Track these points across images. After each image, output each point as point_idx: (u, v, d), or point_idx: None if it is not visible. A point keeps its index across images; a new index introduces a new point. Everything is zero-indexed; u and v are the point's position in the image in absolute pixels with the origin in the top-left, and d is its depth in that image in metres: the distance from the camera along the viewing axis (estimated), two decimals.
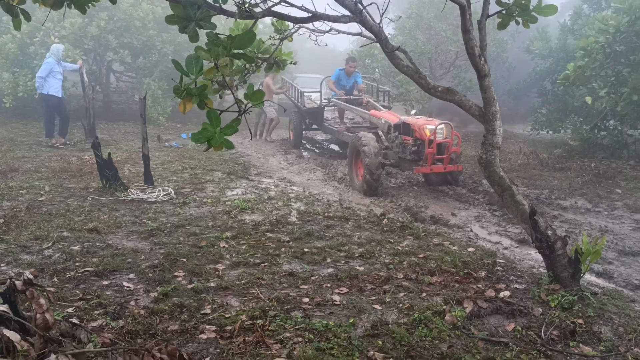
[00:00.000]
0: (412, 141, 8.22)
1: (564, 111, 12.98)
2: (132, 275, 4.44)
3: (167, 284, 4.24)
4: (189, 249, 5.20)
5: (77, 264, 4.62)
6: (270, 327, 3.55)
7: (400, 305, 3.96)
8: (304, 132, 13.29)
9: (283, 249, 5.33)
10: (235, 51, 3.17)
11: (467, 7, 3.95)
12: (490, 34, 17.24)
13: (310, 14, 3.89)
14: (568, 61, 12.00)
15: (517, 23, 4.13)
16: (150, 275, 4.47)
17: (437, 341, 3.42)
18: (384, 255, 5.14)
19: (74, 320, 3.11)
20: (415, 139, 8.16)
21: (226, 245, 5.40)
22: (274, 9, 3.65)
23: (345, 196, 8.09)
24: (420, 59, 15.97)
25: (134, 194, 7.20)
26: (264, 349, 3.27)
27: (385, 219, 6.42)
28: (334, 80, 11.67)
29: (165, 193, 7.38)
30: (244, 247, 5.39)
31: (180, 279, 4.44)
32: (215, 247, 5.34)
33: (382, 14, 4.14)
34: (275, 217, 6.53)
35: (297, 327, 3.58)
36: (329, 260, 5.02)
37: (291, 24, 4.51)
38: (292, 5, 3.82)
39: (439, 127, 7.87)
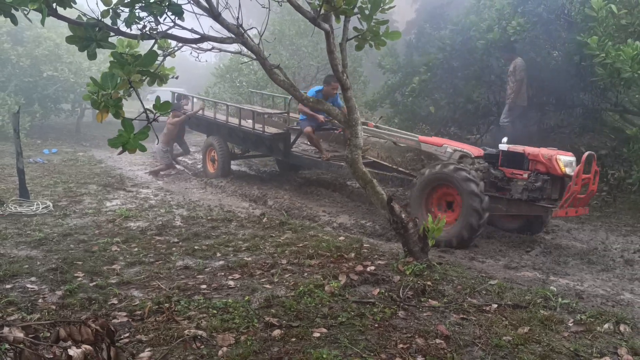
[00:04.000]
0: (530, 176, 6.38)
1: (413, 120, 14.55)
2: (33, 278, 4.68)
3: (70, 283, 4.55)
4: (82, 254, 5.48)
5: None
6: (176, 309, 4.06)
7: (287, 283, 4.66)
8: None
9: (174, 249, 5.79)
10: (142, 69, 3.68)
11: (330, 32, 4.78)
12: (348, 51, 18.75)
13: (200, 36, 4.48)
14: (414, 75, 13.54)
15: (370, 46, 5.04)
16: (51, 277, 4.73)
17: (320, 306, 4.16)
18: (267, 247, 5.81)
19: None
20: (537, 172, 6.36)
21: (118, 249, 5.74)
22: (169, 31, 4.19)
23: (224, 201, 8.64)
24: (285, 72, 16.91)
25: (11, 208, 7.17)
26: (175, 325, 3.78)
27: (265, 218, 7.10)
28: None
29: (44, 206, 7.42)
30: (135, 249, 5.76)
31: (80, 278, 4.75)
32: (108, 250, 5.66)
33: (261, 35, 4.84)
34: (160, 222, 6.92)
35: (200, 307, 4.13)
36: (218, 254, 5.59)
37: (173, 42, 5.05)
38: (184, 28, 4.38)
39: (581, 158, 6.03)
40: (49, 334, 2.91)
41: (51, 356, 2.62)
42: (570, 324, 3.94)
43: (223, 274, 4.96)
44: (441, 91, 12.17)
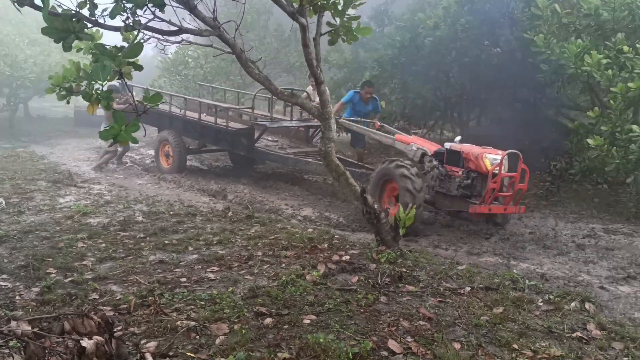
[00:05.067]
0: (462, 173, 6.66)
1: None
2: (5, 276, 4.54)
3: (45, 280, 4.44)
4: (49, 251, 5.33)
5: None
6: (161, 302, 4.05)
7: (267, 274, 4.73)
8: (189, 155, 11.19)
9: (143, 244, 5.73)
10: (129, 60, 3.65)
11: (306, 27, 4.87)
12: (292, 45, 18.82)
13: (178, 28, 4.47)
14: (360, 71, 13.78)
15: (343, 40, 5.17)
16: (22, 274, 4.60)
17: (305, 294, 4.26)
18: (239, 240, 5.84)
19: None
20: (468, 170, 6.61)
21: (84, 245, 5.62)
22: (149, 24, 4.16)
23: (183, 196, 8.55)
24: (232, 66, 16.83)
25: None
26: (164, 317, 3.79)
27: (231, 212, 7.11)
28: (344, 102, 9.75)
29: None
30: (102, 245, 5.66)
31: (54, 275, 4.64)
32: (74, 247, 5.53)
33: (236, 29, 4.87)
34: (122, 218, 6.80)
35: (185, 299, 4.14)
36: (190, 248, 5.57)
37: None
38: (162, 20, 4.35)
39: (504, 157, 6.33)
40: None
41: (61, 349, 2.61)
42: (540, 304, 4.23)
43: (200, 267, 4.97)
44: (391, 87, 12.47)
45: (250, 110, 9.63)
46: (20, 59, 15.94)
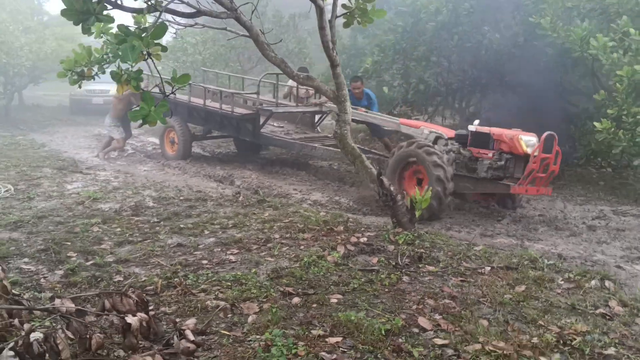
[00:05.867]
0: (495, 155, 6.63)
1: None
2: (26, 259, 4.53)
3: (68, 263, 4.45)
4: (66, 235, 5.32)
5: None
6: (187, 283, 4.07)
7: (287, 256, 4.76)
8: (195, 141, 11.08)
9: (158, 228, 5.73)
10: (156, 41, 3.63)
11: (323, 9, 4.86)
12: (291, 32, 18.75)
13: (196, 10, 4.45)
14: (359, 57, 13.74)
15: (359, 23, 5.16)
16: (43, 257, 4.60)
17: (328, 274, 4.30)
18: (254, 224, 5.86)
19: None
20: (501, 152, 6.63)
21: (99, 230, 5.61)
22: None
23: (190, 182, 8.54)
24: (230, 53, 16.76)
25: None
26: (193, 297, 3.81)
27: (242, 197, 7.13)
28: None
29: (5, 190, 7.10)
30: (118, 229, 5.65)
31: (74, 258, 4.65)
32: (90, 232, 5.52)
33: (253, 11, 4.86)
34: (133, 203, 6.78)
35: (209, 280, 4.16)
36: (206, 232, 5.59)
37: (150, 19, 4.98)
38: (182, 2, 4.34)
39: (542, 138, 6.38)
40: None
41: (105, 325, 2.63)
42: (561, 282, 4.29)
43: (220, 249, 4.99)
44: (392, 72, 12.45)
45: (255, 95, 9.59)
46: (16, 46, 15.77)
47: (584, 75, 9.45)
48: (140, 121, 3.42)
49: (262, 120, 9.26)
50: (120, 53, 3.36)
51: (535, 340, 3.30)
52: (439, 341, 3.26)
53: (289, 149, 9.62)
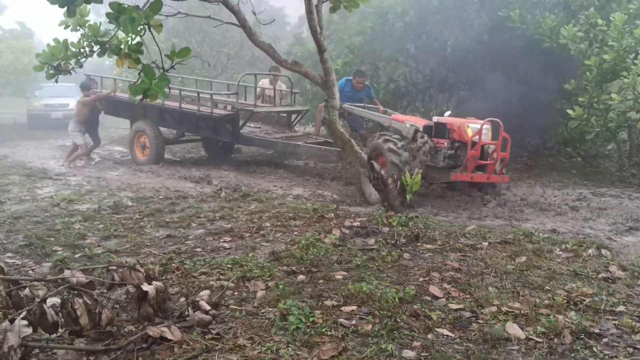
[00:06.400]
0: (448, 144, 6.69)
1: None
2: (10, 254, 4.31)
3: (55, 256, 4.25)
4: (47, 232, 5.09)
5: None
6: (185, 267, 3.94)
7: (283, 240, 4.67)
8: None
9: (142, 223, 5.55)
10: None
11: None
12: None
13: None
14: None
15: (345, 7, 5.14)
16: (28, 252, 4.39)
17: (328, 255, 4.23)
18: (241, 216, 5.74)
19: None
20: (453, 140, 6.67)
21: (81, 227, 5.40)
22: None
23: (166, 184, 8.34)
24: (194, 61, 16.56)
25: None
26: (194, 279, 3.68)
27: (223, 193, 6.99)
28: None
29: None
30: (100, 226, 5.45)
31: (60, 252, 4.44)
32: (71, 229, 5.30)
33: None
34: (111, 203, 6.57)
35: (208, 264, 4.03)
36: (194, 224, 5.44)
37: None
38: None
39: (484, 126, 6.37)
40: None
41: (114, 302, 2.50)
42: (559, 252, 4.32)
43: (211, 238, 4.85)
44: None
45: (235, 96, 9.47)
46: None
47: (553, 65, 9.67)
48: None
49: (241, 121, 9.16)
50: (120, 24, 3.23)
51: (547, 302, 3.30)
52: (453, 306, 3.23)
53: (270, 147, 9.54)
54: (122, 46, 3.30)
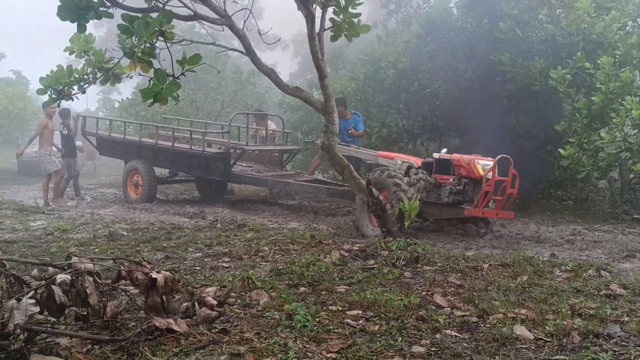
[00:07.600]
0: (454, 180, 6.68)
1: None
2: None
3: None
4: (43, 254, 5.06)
5: None
6: (185, 279, 3.88)
7: (283, 260, 4.64)
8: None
9: (139, 248, 5.50)
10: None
11: (314, 17, 5.00)
12: (249, 87, 19.05)
13: (193, 13, 4.50)
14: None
15: (346, 36, 5.31)
16: (24, 268, 4.33)
17: (329, 271, 4.20)
18: (238, 242, 5.71)
19: None
20: (460, 177, 6.69)
21: (77, 251, 5.32)
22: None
23: (161, 218, 8.29)
24: (191, 107, 16.80)
25: None
26: (196, 289, 3.63)
27: (219, 224, 6.96)
28: None
29: None
30: (96, 250, 5.39)
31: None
32: (67, 252, 5.23)
33: (245, 21, 4.95)
34: (107, 233, 6.52)
35: (209, 279, 3.99)
36: (191, 249, 5.40)
37: None
38: (181, 6, 4.38)
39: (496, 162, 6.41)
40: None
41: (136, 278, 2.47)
42: (560, 273, 4.33)
43: (210, 259, 4.82)
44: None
45: (226, 135, 9.59)
46: None
47: (542, 108, 9.92)
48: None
49: (233, 159, 9.24)
50: (134, 29, 3.33)
51: (552, 312, 3.29)
52: (459, 313, 3.21)
53: (262, 185, 9.59)
54: (136, 50, 3.37)
